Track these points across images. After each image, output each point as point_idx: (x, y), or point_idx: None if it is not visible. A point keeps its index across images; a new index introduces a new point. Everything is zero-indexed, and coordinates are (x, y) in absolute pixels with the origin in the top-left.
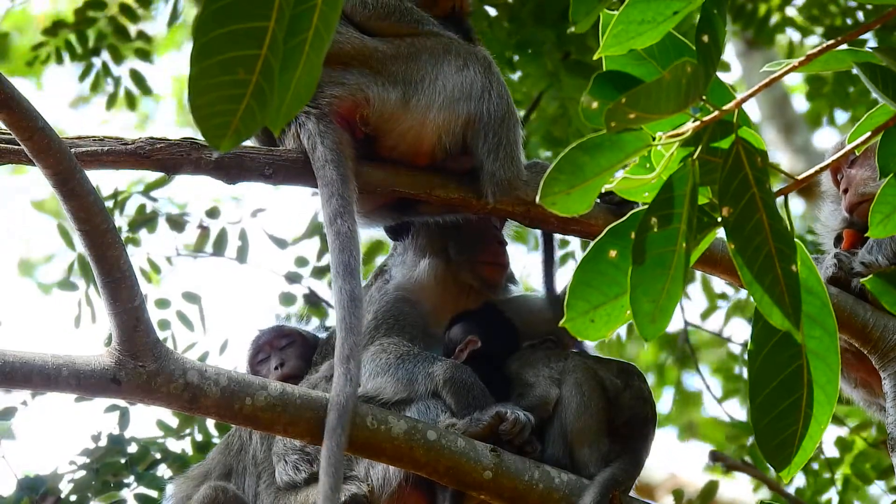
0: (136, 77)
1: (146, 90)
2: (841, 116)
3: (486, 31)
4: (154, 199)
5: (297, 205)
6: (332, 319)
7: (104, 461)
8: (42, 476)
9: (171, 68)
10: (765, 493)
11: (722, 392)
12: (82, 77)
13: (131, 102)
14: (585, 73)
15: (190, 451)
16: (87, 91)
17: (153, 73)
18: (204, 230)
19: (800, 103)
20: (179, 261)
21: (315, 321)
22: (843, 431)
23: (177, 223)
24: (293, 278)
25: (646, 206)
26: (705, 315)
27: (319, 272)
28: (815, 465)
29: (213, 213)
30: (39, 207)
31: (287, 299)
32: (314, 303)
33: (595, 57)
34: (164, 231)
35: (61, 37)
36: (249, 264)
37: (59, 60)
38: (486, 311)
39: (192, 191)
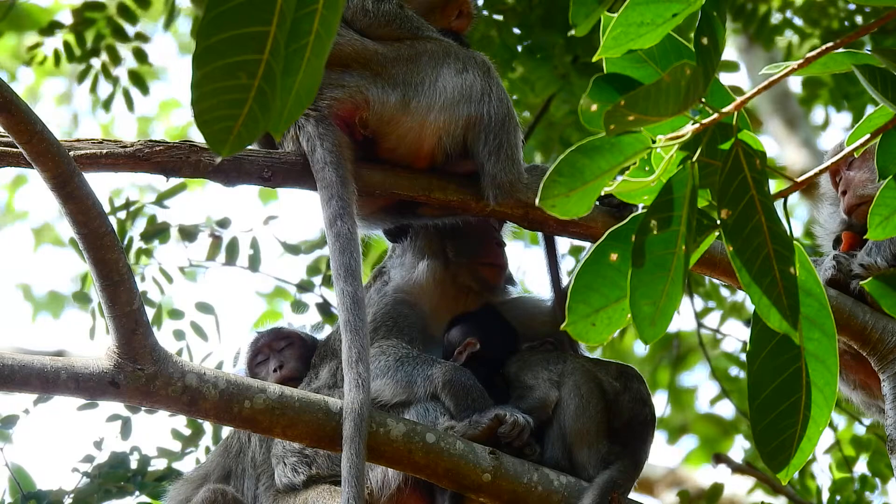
0: (135, 78)
1: (145, 90)
2: (836, 117)
3: (494, 37)
4: (166, 207)
5: (309, 212)
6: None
7: (106, 471)
8: (44, 491)
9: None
10: (760, 493)
11: (718, 391)
12: (80, 78)
13: (129, 103)
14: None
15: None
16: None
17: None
18: (216, 239)
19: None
20: (191, 271)
21: (328, 329)
22: (859, 430)
23: (188, 233)
24: (306, 287)
25: (645, 209)
26: (701, 315)
27: (331, 280)
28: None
29: (223, 223)
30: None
31: (299, 307)
32: (327, 312)
33: (594, 59)
34: (175, 242)
35: (58, 37)
36: (262, 273)
37: (57, 62)
38: (485, 313)
39: (199, 197)
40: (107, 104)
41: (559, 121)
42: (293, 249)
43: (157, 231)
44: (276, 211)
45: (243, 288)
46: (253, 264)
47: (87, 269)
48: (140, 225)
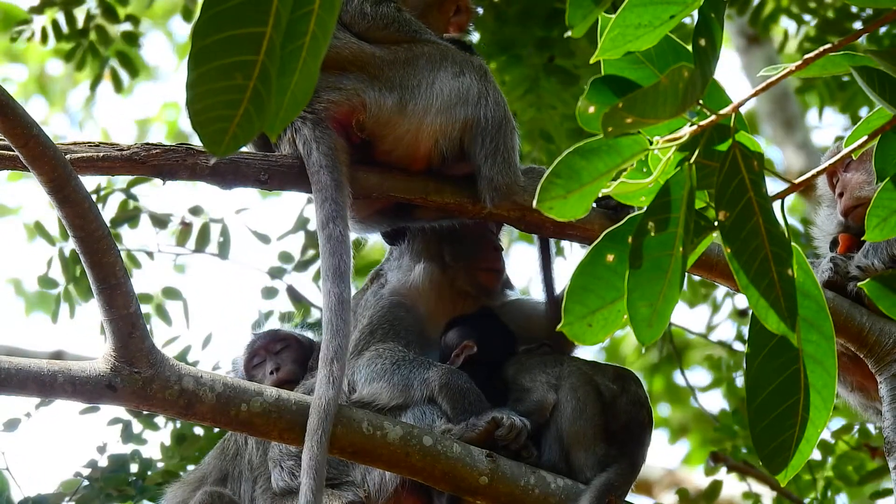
0: (125, 59)
1: (135, 72)
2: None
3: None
4: (135, 198)
5: (284, 203)
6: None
7: (106, 475)
8: (45, 495)
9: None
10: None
11: (710, 383)
12: (68, 58)
13: (118, 84)
14: (566, 80)
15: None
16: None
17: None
18: (186, 226)
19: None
20: (161, 257)
21: (296, 317)
22: (825, 434)
23: (159, 220)
24: (276, 273)
25: (643, 211)
26: (692, 304)
27: (303, 265)
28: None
29: (195, 210)
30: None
31: (269, 294)
32: (296, 297)
33: (592, 60)
34: (145, 227)
35: (48, 15)
36: (232, 260)
37: (45, 40)
38: (482, 316)
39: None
40: (94, 85)
41: (526, 122)
42: (264, 238)
43: (127, 217)
44: (250, 200)
45: (215, 275)
46: (222, 251)
47: (54, 253)
48: (112, 207)
